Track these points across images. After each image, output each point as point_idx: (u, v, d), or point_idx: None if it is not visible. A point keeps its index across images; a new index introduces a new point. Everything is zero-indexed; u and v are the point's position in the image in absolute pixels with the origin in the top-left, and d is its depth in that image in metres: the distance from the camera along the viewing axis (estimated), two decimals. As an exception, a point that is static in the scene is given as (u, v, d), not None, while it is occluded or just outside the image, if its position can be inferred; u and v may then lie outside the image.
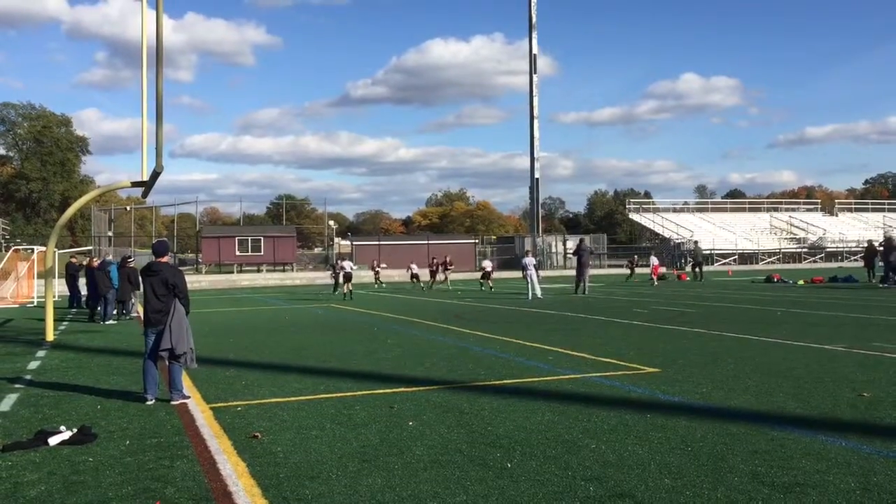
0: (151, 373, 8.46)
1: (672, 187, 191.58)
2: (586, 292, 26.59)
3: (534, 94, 57.32)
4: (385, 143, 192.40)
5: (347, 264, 27.73)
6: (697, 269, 37.95)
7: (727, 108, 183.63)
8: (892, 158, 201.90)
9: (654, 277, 33.70)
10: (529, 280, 25.01)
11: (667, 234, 63.75)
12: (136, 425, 7.32)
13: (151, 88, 14.17)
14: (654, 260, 35.20)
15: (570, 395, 8.45)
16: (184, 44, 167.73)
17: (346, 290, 26.86)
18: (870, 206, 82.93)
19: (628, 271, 38.95)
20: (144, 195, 19.07)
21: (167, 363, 8.42)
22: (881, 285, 28.33)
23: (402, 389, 8.85)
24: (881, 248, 29.91)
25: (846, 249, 64.43)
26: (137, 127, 14.85)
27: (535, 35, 57.23)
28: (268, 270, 50.83)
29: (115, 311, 19.78)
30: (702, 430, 6.60)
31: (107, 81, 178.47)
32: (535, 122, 57.37)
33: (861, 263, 37.23)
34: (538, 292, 24.90)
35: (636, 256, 40.09)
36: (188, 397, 8.47)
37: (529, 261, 25.73)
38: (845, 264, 57.90)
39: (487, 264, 32.34)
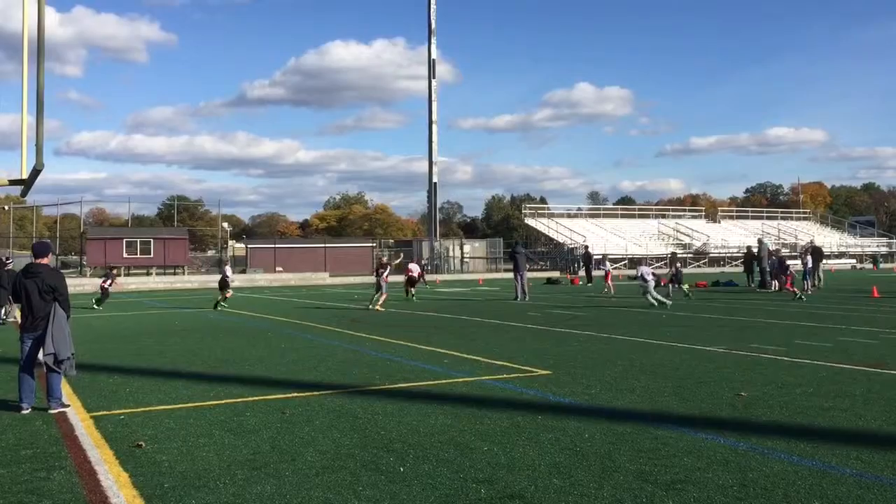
0: (27, 380, 8.04)
1: (567, 193, 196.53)
2: (526, 299, 25.25)
3: (433, 99, 57.64)
4: (283, 144, 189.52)
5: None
6: (586, 273, 39.69)
7: (619, 118, 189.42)
8: (771, 169, 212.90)
9: (609, 284, 29.94)
10: (648, 290, 21.71)
11: (561, 238, 65.16)
12: (11, 436, 6.94)
13: (32, 82, 13.49)
14: (607, 265, 33.20)
15: (463, 398, 8.53)
16: (72, 38, 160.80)
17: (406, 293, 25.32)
18: (750, 214, 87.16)
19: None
20: (23, 194, 18.13)
21: (45, 370, 8.02)
22: (759, 289, 29.82)
23: (295, 395, 8.73)
24: (754, 252, 31.52)
25: (728, 255, 67.47)
26: (19, 122, 14.04)
27: (434, 40, 57.60)
28: (158, 273, 49.21)
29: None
30: (590, 431, 6.77)
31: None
32: (434, 126, 57.69)
33: (741, 268, 39.02)
34: (655, 300, 21.55)
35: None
36: (67, 406, 8.09)
37: (646, 269, 22.61)
38: (727, 269, 60.63)
39: (414, 268, 28.31)
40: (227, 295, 24.17)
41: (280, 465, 5.84)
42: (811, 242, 36.41)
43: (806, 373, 9.76)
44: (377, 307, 22.01)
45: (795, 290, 24.16)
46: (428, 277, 35.93)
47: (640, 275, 22.45)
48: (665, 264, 31.98)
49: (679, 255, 29.96)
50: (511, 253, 27.91)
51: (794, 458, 5.84)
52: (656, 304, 21.21)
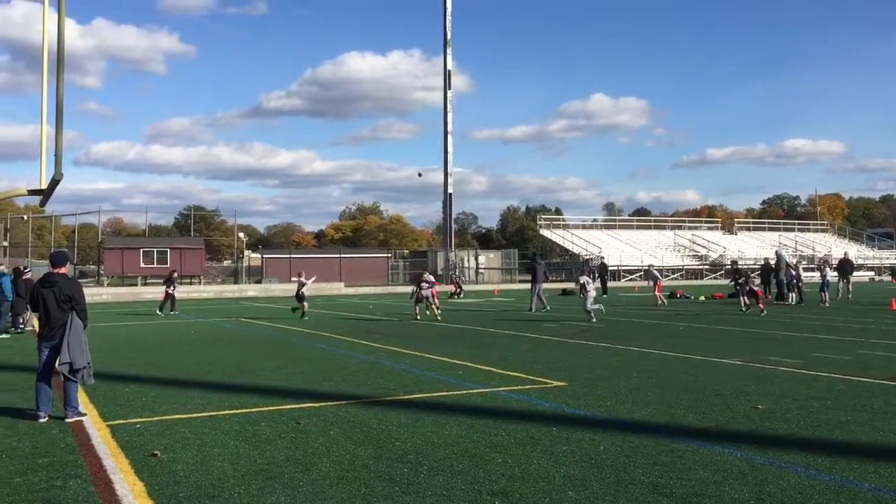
0: (44, 389, 8.10)
1: (582, 204, 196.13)
2: (537, 309, 25.18)
3: (448, 109, 57.74)
4: (299, 155, 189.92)
5: (431, 277, 25.33)
6: (602, 284, 39.49)
7: (635, 129, 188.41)
8: (787, 180, 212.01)
9: (659, 295, 29.36)
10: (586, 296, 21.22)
11: (576, 250, 65.02)
12: (27, 444, 6.99)
13: (52, 93, 13.63)
14: (655, 274, 32.47)
15: (478, 409, 8.50)
16: (91, 49, 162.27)
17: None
18: (766, 226, 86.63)
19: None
20: (42, 203, 18.31)
21: (62, 379, 8.08)
22: (776, 302, 29.59)
23: (310, 405, 8.74)
24: (771, 264, 31.25)
25: (745, 267, 67.08)
26: (39, 133, 14.13)
27: (449, 51, 57.73)
28: (174, 283, 49.40)
29: (9, 325, 18.88)
30: (605, 443, 6.73)
31: (8, 86, 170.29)
32: (450, 137, 57.77)
33: (758, 280, 38.69)
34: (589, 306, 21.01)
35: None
36: (84, 414, 8.14)
37: (585, 279, 22.04)
38: (744, 281, 60.29)
39: (430, 279, 24.74)
40: (305, 307, 23.82)
41: (294, 476, 5.84)
42: (844, 255, 35.93)
43: (824, 386, 9.67)
44: (436, 317, 22.57)
45: (762, 305, 23.65)
46: (449, 287, 35.55)
47: (582, 283, 21.58)
48: (730, 275, 28.57)
49: (740, 266, 28.31)
50: (530, 264, 27.87)
51: (811, 471, 5.78)
52: (592, 316, 20.54)
